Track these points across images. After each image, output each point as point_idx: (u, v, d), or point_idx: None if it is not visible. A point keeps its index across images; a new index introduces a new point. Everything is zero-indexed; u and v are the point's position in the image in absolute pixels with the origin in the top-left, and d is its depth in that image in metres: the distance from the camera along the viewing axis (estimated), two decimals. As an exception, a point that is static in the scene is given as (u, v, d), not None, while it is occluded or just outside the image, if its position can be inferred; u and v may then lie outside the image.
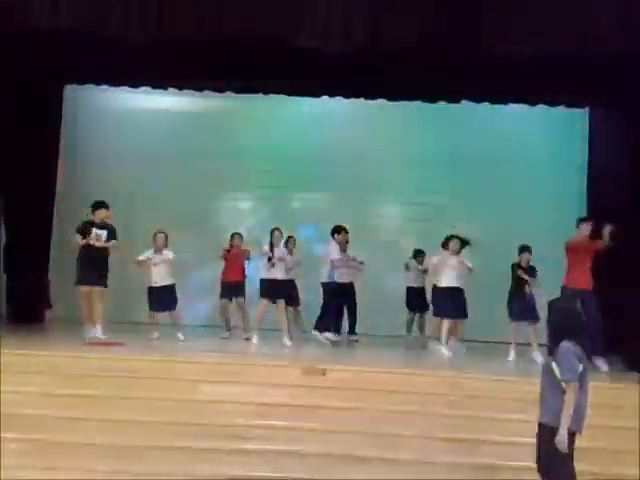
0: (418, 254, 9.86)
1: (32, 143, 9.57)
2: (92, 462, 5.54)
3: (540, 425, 4.39)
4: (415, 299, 9.78)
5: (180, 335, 8.63)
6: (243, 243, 9.31)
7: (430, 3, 7.72)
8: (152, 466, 5.53)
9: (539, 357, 7.75)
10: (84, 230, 8.01)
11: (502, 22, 7.62)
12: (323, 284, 9.08)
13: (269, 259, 8.63)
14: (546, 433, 4.31)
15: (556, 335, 4.39)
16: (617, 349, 8.27)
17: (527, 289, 8.39)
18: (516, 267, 8.56)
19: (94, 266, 7.96)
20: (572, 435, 4.33)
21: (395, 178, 10.82)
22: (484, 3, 7.69)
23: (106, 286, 8.11)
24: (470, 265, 8.65)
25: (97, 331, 7.92)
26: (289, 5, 7.73)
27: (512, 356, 8.26)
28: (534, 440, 5.75)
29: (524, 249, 8.62)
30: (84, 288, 7.95)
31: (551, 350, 4.40)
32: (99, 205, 8.14)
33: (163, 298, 8.72)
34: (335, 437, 5.86)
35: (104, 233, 8.02)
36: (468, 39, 7.74)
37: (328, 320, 9.02)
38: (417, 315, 9.87)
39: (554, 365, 4.32)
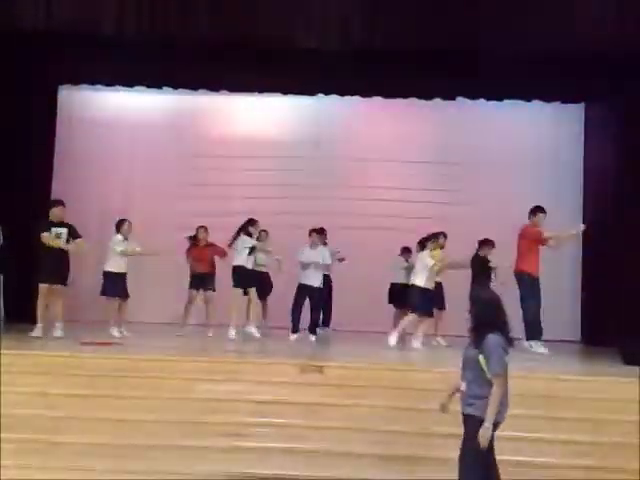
0: (405, 251, 9.86)
1: (27, 144, 9.57)
2: (91, 462, 5.53)
3: (471, 417, 4.32)
4: (398, 296, 9.69)
5: (117, 332, 8.51)
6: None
7: (426, 1, 7.75)
8: (151, 465, 5.52)
9: None
10: (45, 230, 8.02)
11: (499, 20, 7.65)
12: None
13: (251, 249, 8.71)
14: (476, 426, 4.25)
15: (481, 327, 4.33)
16: (616, 344, 8.31)
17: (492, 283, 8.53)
18: (480, 260, 8.73)
19: (56, 264, 7.98)
20: (495, 426, 4.29)
21: (392, 176, 10.83)
22: (481, 1, 7.71)
23: (66, 285, 8.15)
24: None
25: (57, 330, 7.95)
26: (287, 5, 7.74)
27: None
28: (535, 435, 5.82)
29: (486, 242, 8.81)
30: (44, 286, 7.94)
31: (476, 343, 4.33)
32: (54, 203, 8.16)
33: (121, 285, 8.71)
34: (333, 434, 5.84)
35: (64, 231, 8.04)
36: (464, 37, 7.76)
37: (318, 320, 9.21)
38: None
39: (481, 358, 4.27)
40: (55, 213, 8.07)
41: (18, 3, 7.55)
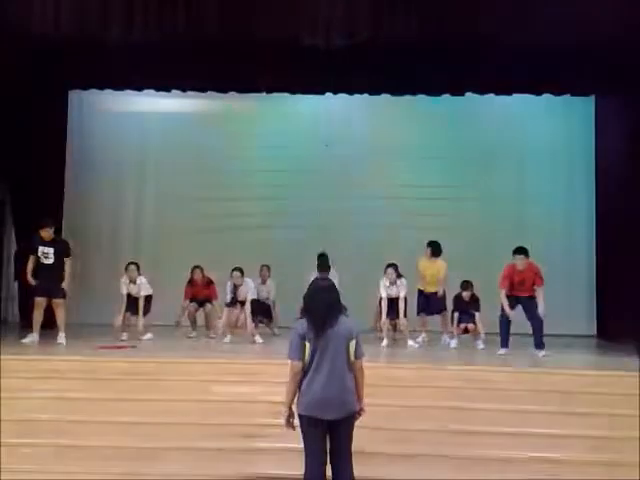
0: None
1: (39, 148, 9.62)
2: (107, 465, 5.54)
3: None
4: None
5: (149, 335, 8.78)
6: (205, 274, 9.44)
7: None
8: (167, 467, 5.54)
9: (480, 345, 8.62)
10: (34, 247, 8.17)
11: (507, 13, 7.61)
12: None
13: (231, 302, 8.77)
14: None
15: (301, 314, 4.39)
16: (632, 338, 8.28)
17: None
18: (458, 302, 8.90)
19: (49, 279, 8.10)
20: (305, 419, 4.30)
21: (403, 173, 10.81)
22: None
23: (64, 297, 8.25)
24: None
25: (61, 338, 8.09)
26: (291, 4, 7.73)
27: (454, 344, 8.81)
28: (551, 431, 5.79)
29: (466, 286, 8.87)
30: (40, 299, 8.13)
31: None
32: (41, 225, 8.20)
33: (135, 305, 8.82)
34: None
35: (51, 250, 8.12)
36: (472, 32, 7.72)
37: None
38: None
39: None
40: (42, 235, 8.17)
41: (28, 8, 7.59)
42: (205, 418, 6.01)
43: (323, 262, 9.25)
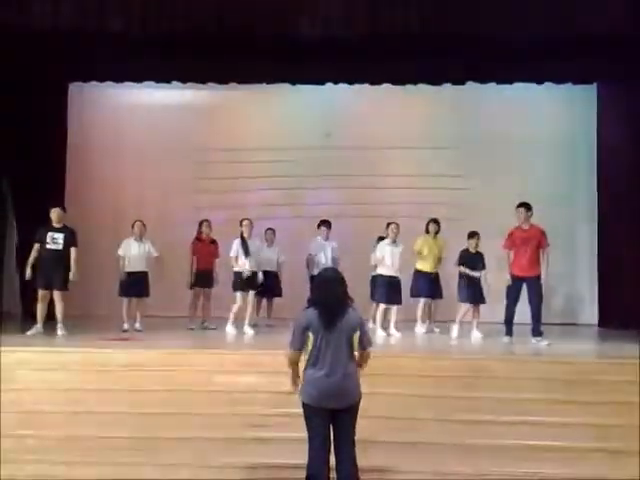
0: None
1: (40, 144, 9.60)
2: (110, 456, 5.56)
3: None
4: None
5: (138, 325, 8.83)
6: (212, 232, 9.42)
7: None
8: (170, 457, 5.56)
9: (478, 335, 8.48)
10: (41, 235, 8.12)
11: (503, 3, 7.59)
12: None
13: (246, 253, 8.73)
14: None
15: (309, 303, 4.47)
16: (633, 326, 8.28)
17: (478, 274, 8.63)
18: (465, 254, 8.71)
19: (52, 269, 8.05)
20: (308, 407, 4.41)
21: (402, 162, 10.79)
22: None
23: (67, 289, 8.19)
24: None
25: (59, 330, 8.06)
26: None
27: (455, 333, 8.60)
28: (551, 419, 5.80)
29: (472, 235, 8.77)
30: (42, 291, 8.08)
31: None
32: (52, 206, 8.20)
33: (137, 284, 8.86)
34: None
35: (60, 236, 8.09)
36: (472, 20, 7.69)
37: None
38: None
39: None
40: (52, 217, 8.15)
41: (26, 2, 7.58)
42: (208, 408, 6.02)
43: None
